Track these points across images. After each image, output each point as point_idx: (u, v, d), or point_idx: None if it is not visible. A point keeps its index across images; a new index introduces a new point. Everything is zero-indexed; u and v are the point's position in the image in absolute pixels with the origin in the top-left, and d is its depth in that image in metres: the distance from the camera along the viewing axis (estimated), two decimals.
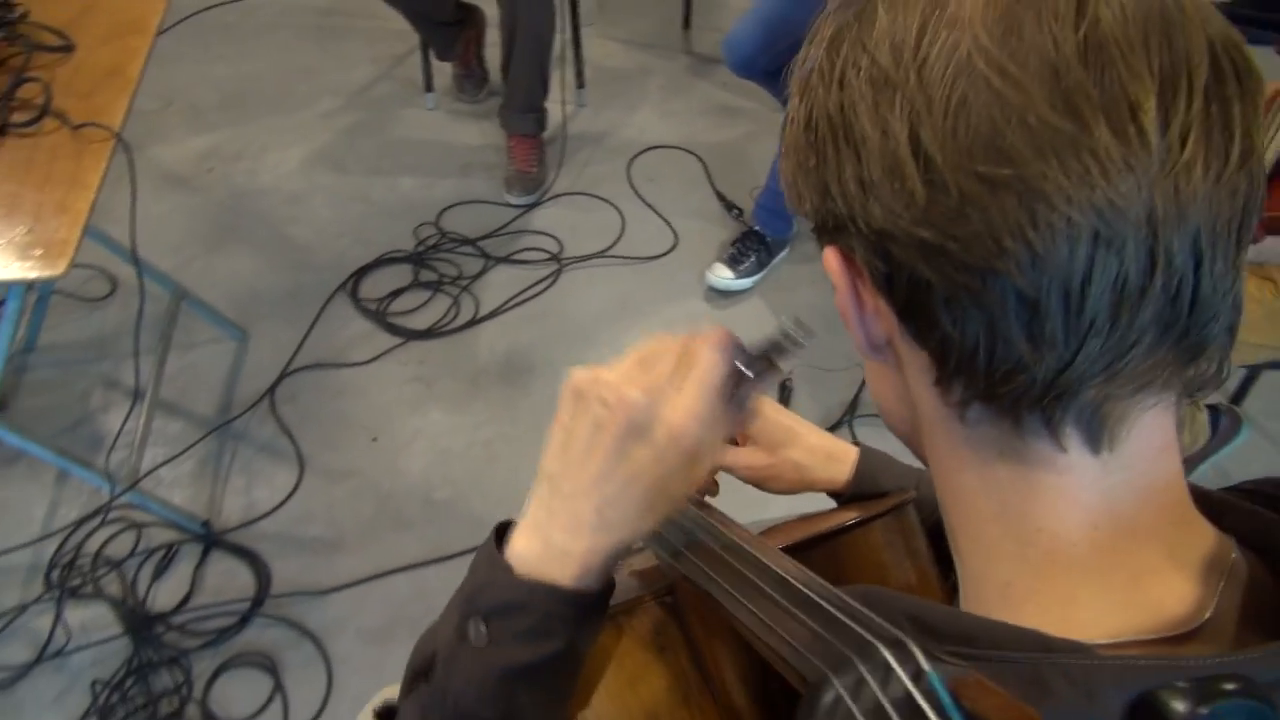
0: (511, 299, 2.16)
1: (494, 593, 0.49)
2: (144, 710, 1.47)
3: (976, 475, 0.39)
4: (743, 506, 0.65)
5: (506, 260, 2.26)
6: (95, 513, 1.68)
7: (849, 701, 0.34)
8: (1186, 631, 0.37)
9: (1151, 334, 0.34)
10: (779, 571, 0.46)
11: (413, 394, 1.95)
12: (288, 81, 2.79)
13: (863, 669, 0.35)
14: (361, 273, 2.20)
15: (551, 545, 0.49)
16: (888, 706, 0.32)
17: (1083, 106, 0.31)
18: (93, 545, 1.67)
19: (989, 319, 0.34)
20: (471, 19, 2.59)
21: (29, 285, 1.20)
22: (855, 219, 0.36)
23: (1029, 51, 0.32)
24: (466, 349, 2.06)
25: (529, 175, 2.40)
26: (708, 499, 0.74)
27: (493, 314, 2.13)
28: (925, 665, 0.33)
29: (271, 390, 1.95)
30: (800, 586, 0.43)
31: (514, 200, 2.39)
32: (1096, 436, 0.36)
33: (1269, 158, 1.31)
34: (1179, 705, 0.23)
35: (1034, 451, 0.37)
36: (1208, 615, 0.37)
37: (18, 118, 1.33)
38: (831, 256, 0.39)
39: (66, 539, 1.67)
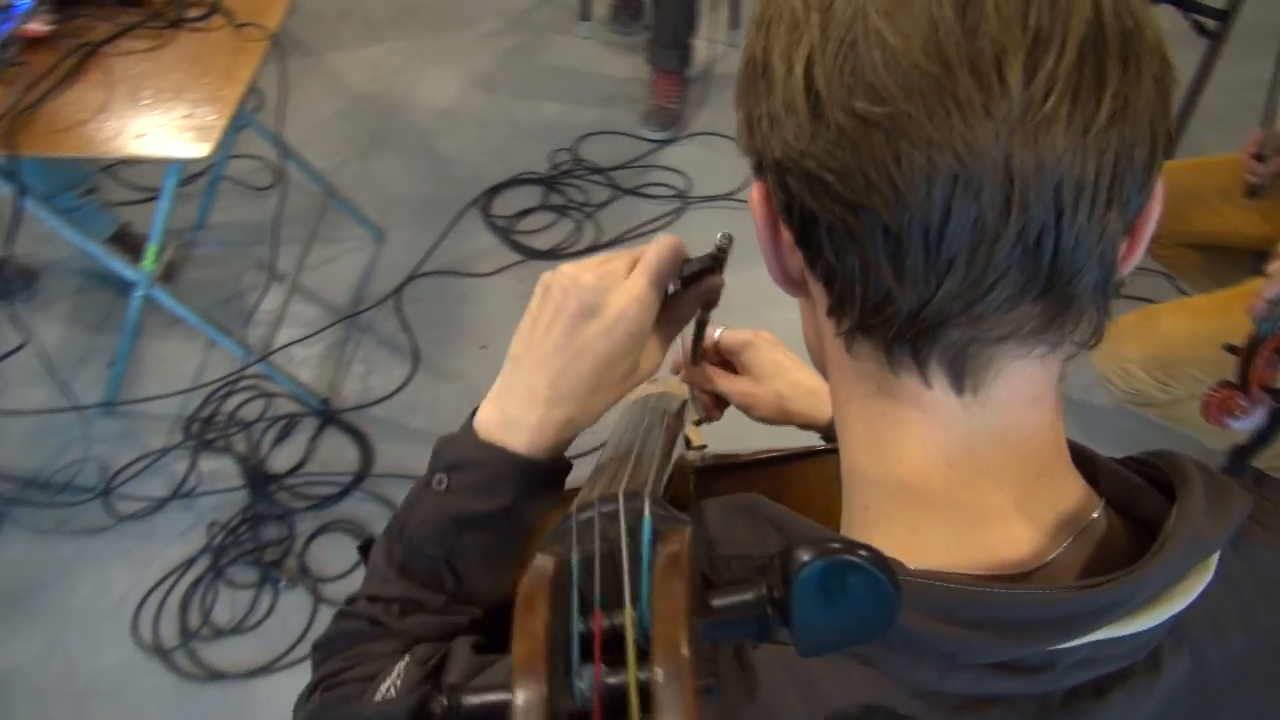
0: (632, 230, 2.22)
1: (455, 450, 0.56)
2: (251, 555, 1.66)
3: (858, 407, 0.42)
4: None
5: (634, 192, 2.31)
6: (231, 377, 1.88)
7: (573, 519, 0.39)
8: (1015, 574, 0.39)
9: (1012, 279, 0.35)
10: (647, 469, 0.51)
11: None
12: (455, 1, 2.91)
13: (600, 509, 0.40)
14: (495, 190, 2.31)
15: (508, 414, 0.55)
16: (596, 519, 0.36)
17: (950, 54, 0.33)
18: (228, 407, 1.87)
19: (861, 251, 0.36)
20: None
21: (181, 163, 1.34)
22: (765, 152, 0.39)
23: (915, 4, 0.34)
24: None
25: (667, 111, 2.43)
26: (704, 424, 0.78)
27: (612, 243, 2.19)
28: (646, 509, 0.37)
29: (399, 290, 2.10)
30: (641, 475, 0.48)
31: (650, 134, 2.42)
32: (960, 377, 0.38)
33: None
34: (804, 555, 0.26)
35: (905, 388, 0.40)
36: (1043, 563, 0.39)
37: (191, 13, 1.47)
38: (755, 191, 0.42)
39: (208, 397, 1.88)
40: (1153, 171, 0.36)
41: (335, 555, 1.68)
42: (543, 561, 0.27)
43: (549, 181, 2.33)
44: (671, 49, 2.38)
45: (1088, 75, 0.33)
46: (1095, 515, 0.40)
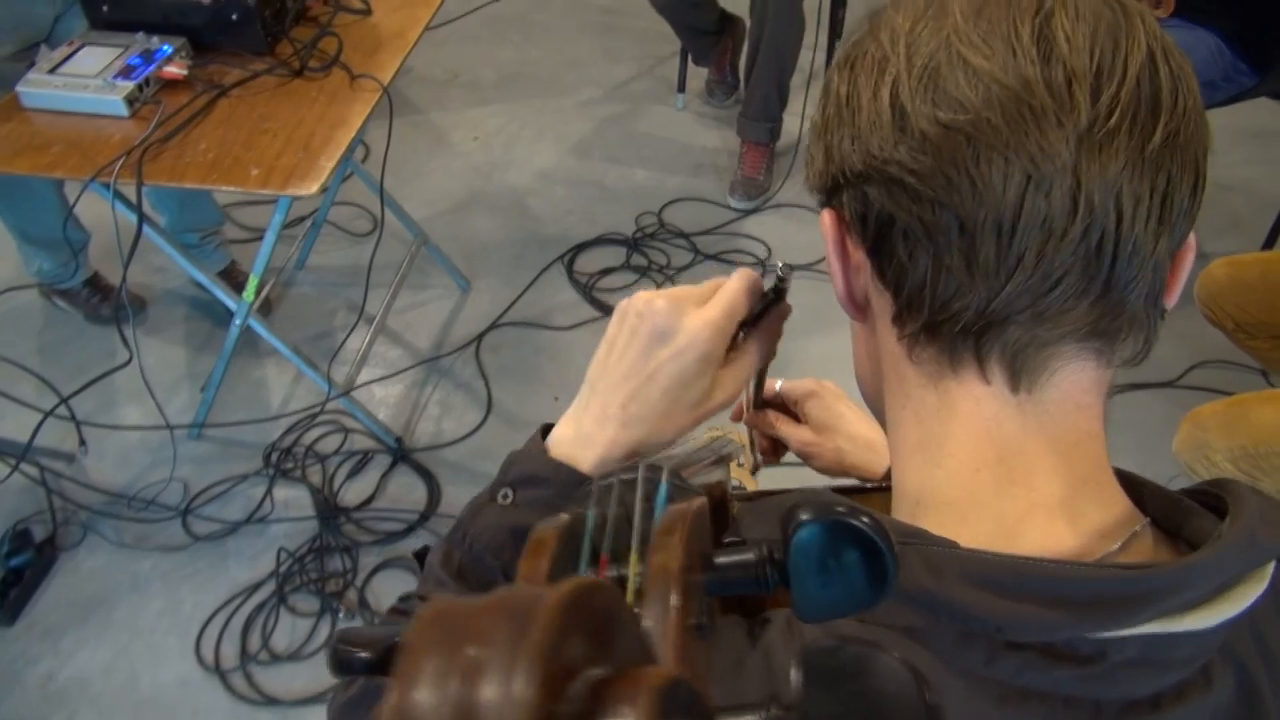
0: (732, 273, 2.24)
1: (525, 464, 0.58)
2: (315, 584, 1.69)
3: (912, 410, 0.44)
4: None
5: (715, 258, 2.35)
6: (314, 409, 1.95)
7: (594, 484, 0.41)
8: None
9: (1074, 278, 0.38)
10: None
11: None
12: (559, 69, 3.05)
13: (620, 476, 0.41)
14: (580, 248, 2.37)
15: (581, 432, 0.57)
16: (615, 485, 0.37)
17: (1028, 73, 0.38)
18: (308, 438, 1.94)
19: (936, 248, 0.40)
20: (731, 29, 2.70)
21: (290, 200, 1.42)
22: (845, 171, 0.42)
23: (993, 33, 0.39)
24: None
25: (754, 181, 2.47)
26: (760, 469, 0.79)
27: None
28: (664, 477, 0.38)
29: (479, 338, 2.16)
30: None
31: (735, 203, 2.47)
32: (1017, 375, 0.40)
33: None
34: (805, 514, 0.26)
35: (963, 385, 0.42)
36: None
37: (313, 64, 1.58)
38: (826, 216, 0.45)
39: (290, 428, 1.95)
40: (1195, 204, 0.40)
41: (395, 590, 1.70)
42: (560, 516, 0.28)
43: (633, 243, 2.38)
44: (761, 122, 2.44)
45: (1145, 105, 0.38)
46: (1139, 529, 0.41)
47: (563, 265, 2.34)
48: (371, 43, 1.67)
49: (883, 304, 0.44)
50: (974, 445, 0.41)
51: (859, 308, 0.46)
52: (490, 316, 2.21)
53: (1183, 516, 0.42)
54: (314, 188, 1.35)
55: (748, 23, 2.43)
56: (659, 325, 0.54)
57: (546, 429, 0.61)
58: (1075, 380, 0.41)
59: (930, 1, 0.41)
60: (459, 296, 2.28)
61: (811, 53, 2.47)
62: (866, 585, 0.27)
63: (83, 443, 1.84)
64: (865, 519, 0.27)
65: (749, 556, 0.28)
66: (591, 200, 2.53)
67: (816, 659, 0.25)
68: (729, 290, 0.55)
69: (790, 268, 0.57)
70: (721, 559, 0.28)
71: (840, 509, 0.27)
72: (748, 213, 2.46)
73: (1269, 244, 2.25)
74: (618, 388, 0.55)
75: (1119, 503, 0.42)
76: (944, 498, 0.42)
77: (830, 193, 0.45)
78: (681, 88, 2.85)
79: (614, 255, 2.36)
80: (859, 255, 0.44)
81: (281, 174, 1.37)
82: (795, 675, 0.25)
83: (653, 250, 2.37)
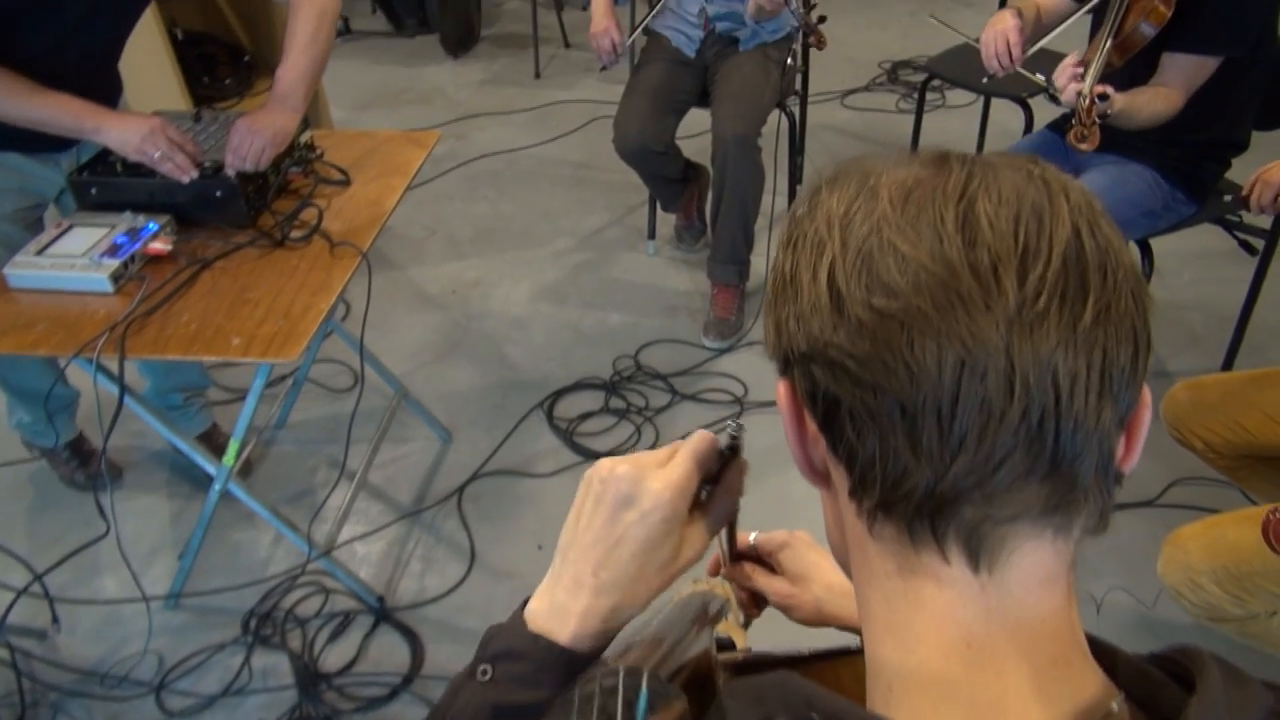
0: (690, 434, 2.26)
1: (503, 639, 0.57)
2: None
3: (880, 590, 0.44)
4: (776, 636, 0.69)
5: (692, 398, 2.38)
6: (294, 572, 1.91)
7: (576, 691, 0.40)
8: None
9: (1019, 458, 0.39)
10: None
11: None
12: (532, 222, 3.16)
13: (601, 683, 0.41)
14: (559, 394, 2.40)
15: (555, 603, 0.57)
16: (597, 693, 0.37)
17: (954, 260, 0.39)
18: (288, 602, 1.90)
19: (881, 430, 0.40)
20: (696, 177, 2.83)
21: (271, 365, 1.45)
22: (793, 348, 0.44)
23: (920, 219, 0.41)
24: None
25: (726, 321, 2.54)
26: (742, 621, 0.78)
27: None
28: (644, 683, 0.38)
29: (461, 489, 2.15)
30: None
31: (709, 343, 2.52)
32: (976, 555, 0.41)
33: None
34: None
35: (925, 565, 0.42)
36: None
37: (295, 234, 1.64)
38: (782, 387, 0.47)
39: (269, 592, 1.91)
40: (1138, 372, 0.40)
41: None
42: None
43: (611, 386, 2.42)
44: (730, 265, 2.53)
45: (1073, 282, 0.39)
46: (1115, 707, 0.41)
47: (542, 412, 2.36)
48: (351, 211, 1.74)
49: (840, 477, 0.45)
50: (941, 631, 0.41)
51: (820, 476, 0.47)
52: (471, 467, 2.21)
53: (1154, 689, 0.42)
54: (294, 355, 1.38)
55: (711, 171, 2.55)
56: (623, 490, 0.56)
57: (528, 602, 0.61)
58: (1036, 558, 0.41)
59: (862, 185, 0.44)
60: (440, 447, 2.28)
61: (772, 197, 2.58)
62: None
63: (55, 619, 1.79)
64: None
65: None
66: (569, 346, 2.58)
67: None
68: (687, 451, 0.57)
69: (740, 426, 0.59)
70: None
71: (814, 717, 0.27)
72: (722, 352, 2.52)
73: (1229, 359, 2.32)
74: (587, 555, 0.56)
75: (1093, 681, 0.42)
76: (917, 683, 0.42)
77: (784, 365, 0.47)
78: (652, 234, 2.96)
79: (593, 399, 2.39)
80: (814, 428, 0.45)
81: (262, 342, 1.40)
82: None
83: (631, 393, 2.40)
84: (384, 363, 2.22)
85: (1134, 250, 2.09)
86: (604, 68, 2.50)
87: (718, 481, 0.59)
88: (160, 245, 1.56)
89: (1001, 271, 0.39)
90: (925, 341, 0.38)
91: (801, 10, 2.19)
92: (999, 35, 1.92)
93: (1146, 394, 0.43)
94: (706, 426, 2.25)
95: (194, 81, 2.91)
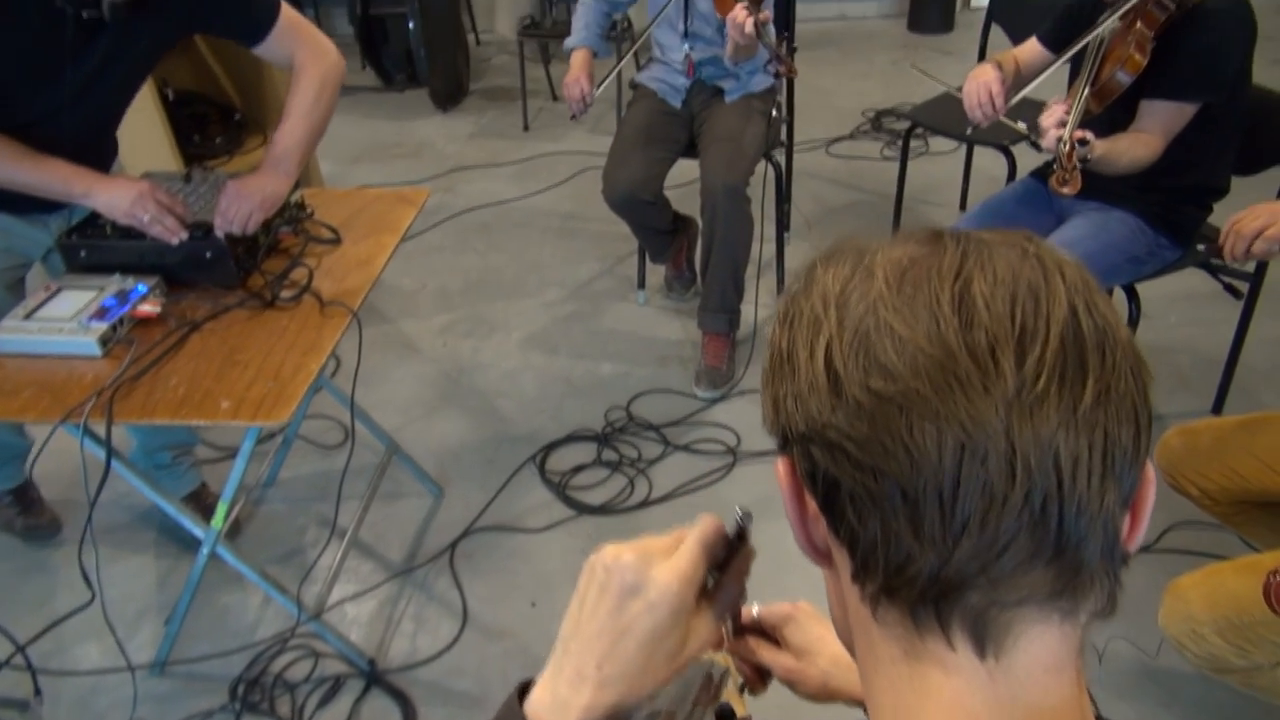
0: (684, 485, 2.25)
1: None
2: None
3: (885, 676, 0.43)
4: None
5: (685, 448, 2.37)
6: (283, 636, 1.87)
7: None
8: None
9: (1023, 543, 0.38)
10: None
11: (575, 566, 2.01)
12: (522, 273, 3.17)
13: None
14: (551, 446, 2.39)
15: (558, 697, 0.55)
16: None
17: (951, 342, 0.39)
18: (277, 666, 1.86)
19: (882, 514, 0.40)
20: (685, 228, 2.85)
21: (259, 429, 1.44)
22: (791, 427, 0.43)
23: (916, 300, 0.40)
24: (634, 529, 2.13)
25: (718, 370, 2.53)
26: (749, 694, 0.77)
27: (664, 498, 2.22)
28: None
29: (453, 545, 2.12)
30: None
31: (701, 393, 2.52)
32: (981, 640, 0.40)
33: None
34: None
35: (930, 651, 0.41)
36: None
37: (285, 294, 1.63)
38: (781, 465, 0.46)
39: (257, 657, 1.87)
40: (1140, 451, 0.40)
41: None
42: None
43: (603, 438, 2.40)
44: (720, 314, 2.53)
45: (1071, 363, 0.38)
46: None
47: (535, 465, 2.34)
48: (341, 270, 1.73)
49: (842, 559, 0.44)
50: (949, 718, 0.40)
51: (822, 555, 0.46)
52: (464, 522, 2.18)
53: None
54: (284, 417, 1.37)
55: (699, 221, 2.57)
56: (628, 580, 0.54)
57: (524, 686, 0.59)
58: (1043, 644, 0.40)
59: (857, 264, 0.43)
60: (432, 503, 2.26)
61: (760, 244, 2.60)
62: None
63: (38, 691, 1.75)
64: None
65: None
66: (560, 397, 2.57)
67: None
68: (695, 539, 0.56)
69: (749, 515, 0.58)
70: None
71: None
72: (714, 401, 2.51)
73: (1219, 401, 2.32)
74: (591, 647, 0.54)
75: None
76: None
77: (782, 442, 0.46)
78: (642, 284, 2.97)
79: (585, 452, 2.38)
80: (814, 507, 0.44)
81: (252, 405, 1.39)
82: None
83: (623, 444, 2.39)
84: (374, 417, 2.20)
85: (1120, 296, 2.11)
86: (574, 116, 2.53)
87: (725, 569, 0.58)
88: (149, 307, 1.55)
89: (999, 353, 0.38)
90: (924, 425, 0.38)
91: (774, 42, 2.22)
92: (981, 86, 1.95)
93: (1150, 471, 0.42)
94: (700, 479, 2.24)
95: (185, 140, 2.93)
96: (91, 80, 1.55)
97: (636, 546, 0.56)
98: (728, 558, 0.58)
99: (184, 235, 1.60)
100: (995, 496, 0.37)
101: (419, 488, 2.28)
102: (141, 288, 1.58)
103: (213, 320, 1.58)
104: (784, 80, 2.53)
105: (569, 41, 2.63)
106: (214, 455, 2.38)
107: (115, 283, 1.60)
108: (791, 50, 2.49)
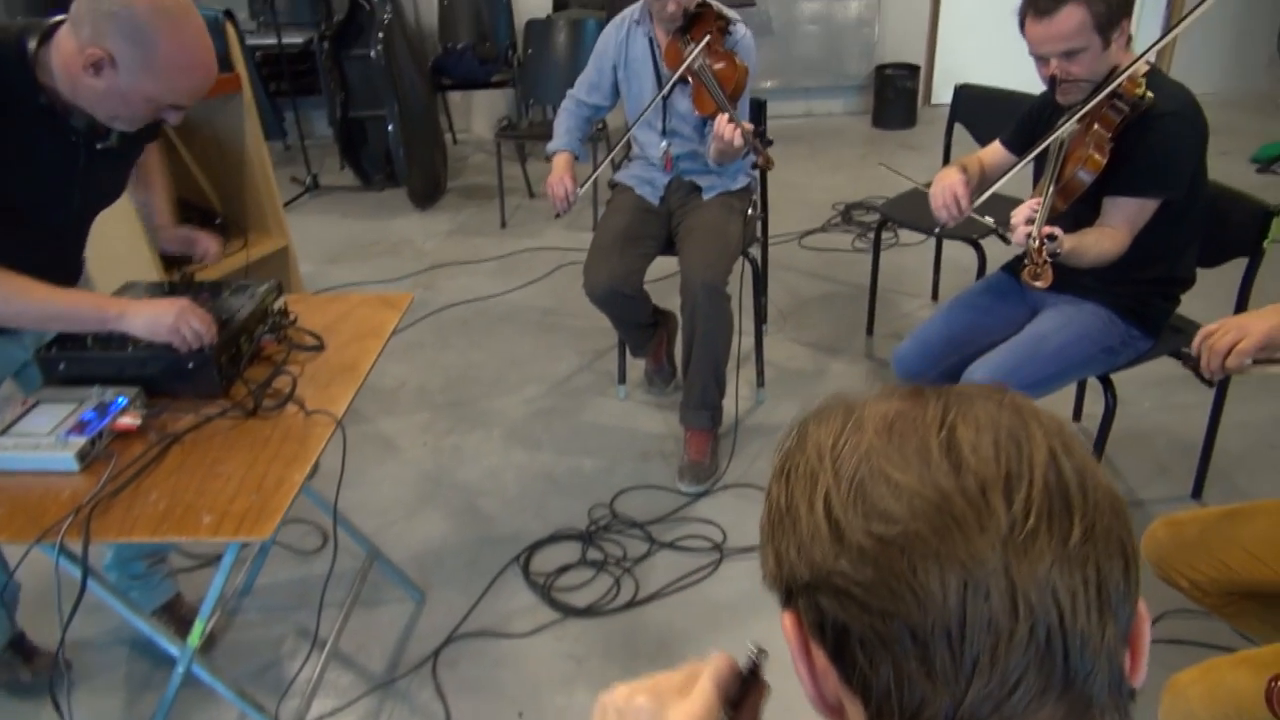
0: (671, 584, 2.21)
1: None
2: None
3: None
4: None
5: (671, 546, 2.34)
6: None
7: None
8: None
9: (1033, 679, 0.39)
10: None
11: (563, 672, 1.99)
12: (502, 369, 3.18)
13: None
14: (535, 546, 2.35)
15: None
16: None
17: (944, 484, 0.41)
18: None
19: (893, 656, 0.41)
20: (665, 322, 2.88)
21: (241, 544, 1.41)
22: (795, 578, 0.44)
23: (906, 448, 0.43)
24: (621, 630, 2.10)
25: (701, 465, 2.53)
26: None
27: (651, 597, 2.18)
28: None
29: (436, 653, 2.07)
30: None
31: (685, 488, 2.51)
32: None
33: None
34: None
35: None
36: None
37: (268, 402, 1.62)
38: (787, 620, 0.47)
39: None
40: (1131, 586, 0.42)
41: None
42: None
43: (587, 537, 2.38)
44: (702, 410, 2.54)
45: (1057, 502, 0.41)
46: None
47: (519, 566, 2.30)
48: (325, 376, 1.73)
49: (855, 709, 0.44)
50: None
51: (833, 709, 0.47)
52: (446, 629, 2.13)
53: None
54: (267, 533, 1.34)
55: (679, 316, 2.60)
56: None
57: None
58: None
59: (847, 419, 0.46)
60: (413, 608, 2.21)
61: (738, 337, 2.63)
62: None
63: None
64: None
65: None
66: (543, 495, 2.55)
67: None
68: (708, 679, 0.56)
69: (764, 652, 0.58)
70: None
71: None
72: (698, 496, 2.50)
73: (1198, 487, 2.35)
74: None
75: None
76: None
77: (786, 596, 0.47)
78: (622, 379, 2.98)
79: (570, 551, 2.34)
80: (823, 659, 0.45)
81: (234, 520, 1.36)
82: None
83: (608, 543, 2.36)
84: (353, 519, 2.17)
85: (1096, 386, 2.15)
86: (558, 215, 2.58)
87: (739, 706, 0.58)
88: (129, 420, 1.54)
89: (990, 494, 0.40)
90: (927, 564, 0.40)
91: (752, 138, 2.29)
92: (947, 189, 2.01)
93: (1143, 607, 0.44)
94: (687, 577, 2.21)
95: None
96: (96, 200, 1.59)
97: (649, 687, 0.56)
98: (742, 695, 0.57)
99: (215, 337, 1.60)
100: (1001, 632, 0.39)
101: (400, 593, 2.23)
102: (121, 400, 1.57)
103: (194, 431, 1.56)
104: (760, 173, 2.60)
105: (551, 145, 2.70)
106: (188, 564, 2.32)
107: (94, 395, 1.58)
108: (768, 143, 2.57)
